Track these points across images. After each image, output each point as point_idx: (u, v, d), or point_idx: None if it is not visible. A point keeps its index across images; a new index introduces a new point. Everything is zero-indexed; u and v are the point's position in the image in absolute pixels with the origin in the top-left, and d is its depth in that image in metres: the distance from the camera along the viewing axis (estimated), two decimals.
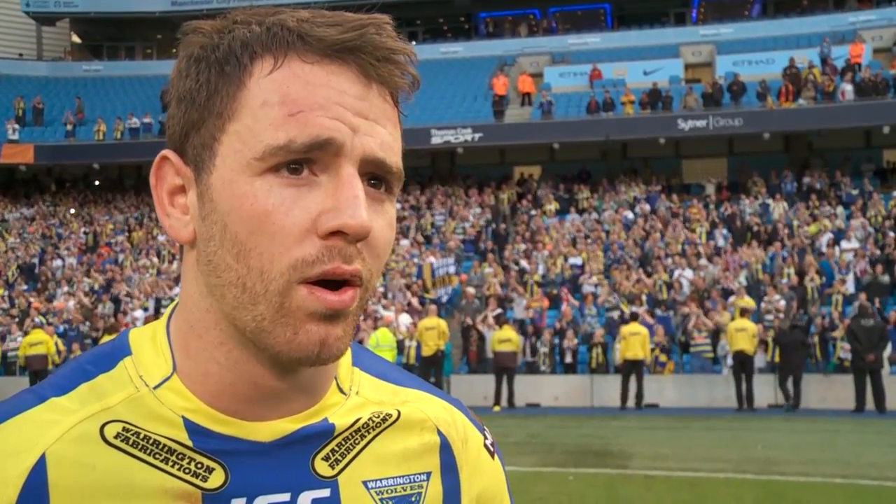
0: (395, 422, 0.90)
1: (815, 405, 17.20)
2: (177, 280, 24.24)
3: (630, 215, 25.26)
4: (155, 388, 0.81)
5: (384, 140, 0.79)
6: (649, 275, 21.30)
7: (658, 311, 19.75)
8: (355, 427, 0.87)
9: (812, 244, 22.03)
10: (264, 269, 0.75)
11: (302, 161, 0.76)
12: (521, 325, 19.52)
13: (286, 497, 0.82)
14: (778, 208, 24.24)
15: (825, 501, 7.95)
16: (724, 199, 25.93)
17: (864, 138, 27.80)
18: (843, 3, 35.13)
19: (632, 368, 17.36)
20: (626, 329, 17.63)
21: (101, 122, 30.76)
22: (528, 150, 28.35)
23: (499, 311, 19.80)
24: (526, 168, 29.48)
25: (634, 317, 18.10)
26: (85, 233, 29.11)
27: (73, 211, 31.11)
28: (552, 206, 26.43)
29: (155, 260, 26.00)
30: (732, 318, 17.79)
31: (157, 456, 0.79)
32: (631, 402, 17.34)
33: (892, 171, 26.97)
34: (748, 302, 18.93)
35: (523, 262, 22.71)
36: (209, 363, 0.81)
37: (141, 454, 0.78)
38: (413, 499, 0.89)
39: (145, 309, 22.66)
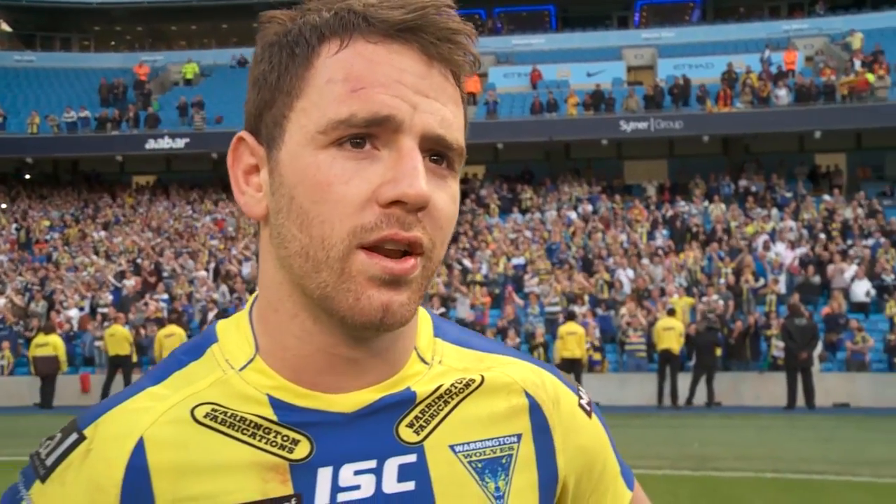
0: (478, 387, 0.91)
1: (749, 402, 17.62)
2: (119, 276, 23.74)
3: (573, 215, 25.55)
4: (240, 370, 0.86)
5: (444, 117, 0.81)
6: (591, 275, 21.58)
7: (599, 311, 20.01)
8: (438, 393, 0.89)
9: (748, 245, 22.57)
10: (325, 237, 0.79)
11: (364, 136, 0.79)
12: (462, 325, 19.58)
13: (372, 464, 0.84)
14: (716, 210, 24.77)
15: (757, 495, 8.12)
16: (664, 201, 26.40)
17: (797, 143, 28.58)
18: (778, 12, 36.10)
19: (569, 367, 17.56)
20: (563, 328, 17.83)
21: (35, 114, 29.94)
22: (471, 149, 27.29)
23: (442, 310, 19.85)
24: (470, 167, 29.59)
25: (571, 316, 18.30)
26: (17, 229, 28.28)
27: (3, 206, 30.21)
28: (495, 206, 26.59)
29: (94, 258, 25.39)
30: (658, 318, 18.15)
31: (245, 431, 0.83)
32: None
33: (824, 175, 27.77)
34: (687, 301, 19.31)
35: (466, 262, 22.80)
36: (286, 336, 0.85)
37: (230, 431, 0.83)
38: (504, 461, 0.90)
39: (81, 308, 22.13)
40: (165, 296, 22.15)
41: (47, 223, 28.46)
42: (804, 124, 26.38)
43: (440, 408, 0.89)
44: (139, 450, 0.82)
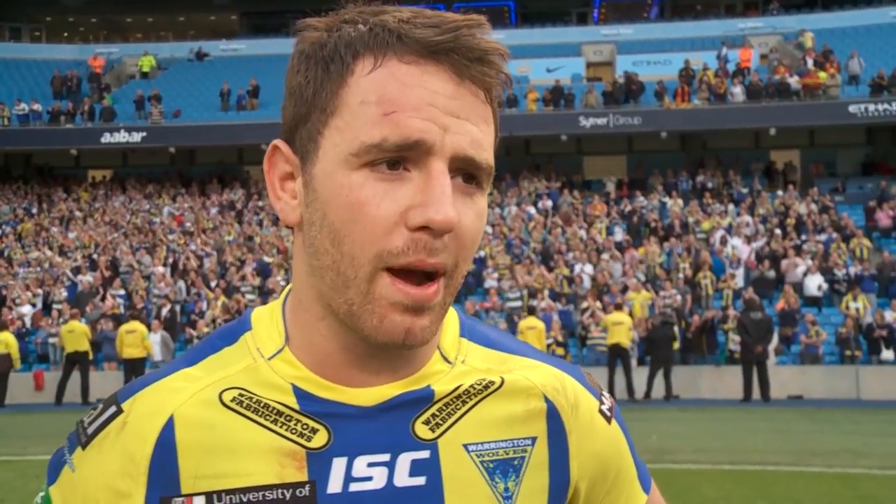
0: (497, 389, 0.93)
1: (706, 395, 17.84)
2: (74, 272, 23.33)
3: (532, 210, 25.66)
4: (269, 358, 0.90)
5: (474, 138, 0.83)
6: (551, 269, 21.70)
7: (559, 306, 20.13)
8: (456, 393, 0.91)
9: (706, 240, 22.86)
10: (355, 256, 0.82)
11: (397, 159, 0.81)
12: None
13: (386, 457, 0.87)
14: (674, 205, 25.06)
15: (713, 486, 8.23)
16: (623, 196, 26.63)
17: (753, 139, 29.02)
18: (734, 10, 36.61)
19: None
20: (523, 323, 17.84)
21: None
22: None
23: None
24: None
25: (531, 311, 18.37)
26: None
27: None
28: None
29: (48, 252, 24.92)
30: (630, 313, 18.31)
31: (268, 417, 0.87)
32: None
33: (779, 171, 28.24)
34: (645, 296, 19.50)
35: None
36: (314, 334, 0.89)
37: (253, 416, 0.87)
38: (515, 462, 0.92)
39: (33, 305, 21.73)
40: (122, 291, 21.85)
41: None
42: (759, 121, 26.78)
43: (458, 407, 0.91)
44: (169, 427, 0.87)
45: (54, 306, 21.37)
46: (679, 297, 19.61)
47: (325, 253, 0.84)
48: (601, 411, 0.99)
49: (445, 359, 0.93)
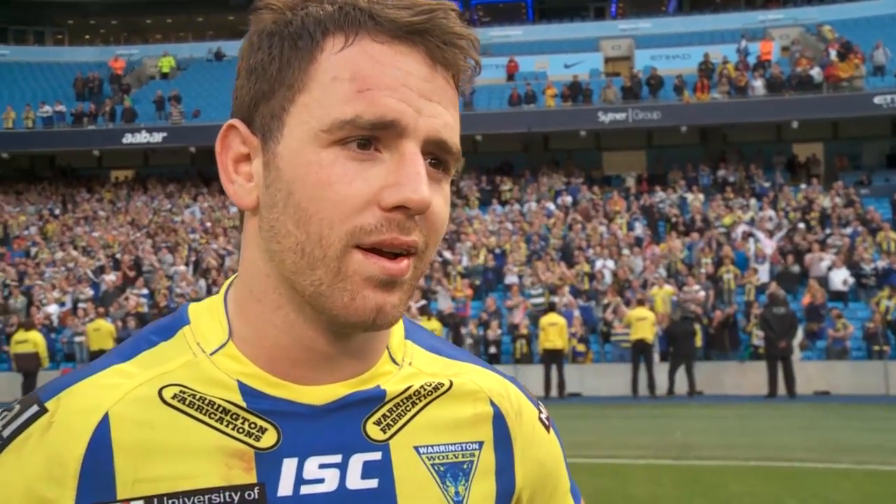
0: (446, 391, 0.91)
1: (730, 391, 17.74)
2: (98, 272, 23.54)
3: (552, 207, 25.60)
4: (211, 354, 0.85)
5: (446, 121, 0.81)
6: (571, 266, 21.63)
7: (580, 302, 20.08)
8: (407, 394, 0.89)
9: (727, 235, 22.71)
10: (323, 235, 0.78)
11: (369, 138, 0.79)
12: (436, 316, 19.53)
13: (337, 458, 0.84)
14: (695, 200, 24.91)
15: (739, 483, 8.18)
16: (643, 191, 26.50)
17: (775, 132, 28.77)
18: (754, 2, 36.29)
19: (552, 358, 17.62)
20: (544, 320, 17.86)
21: (10, 109, 29.60)
22: None
23: (422, 302, 19.86)
24: None
25: (552, 307, 18.34)
26: None
27: None
28: (475, 198, 26.59)
29: (73, 253, 25.17)
30: (652, 308, 18.23)
31: (212, 416, 0.82)
32: (554, 392, 17.61)
33: (802, 165, 27.98)
34: (667, 291, 19.41)
35: (446, 254, 22.81)
36: (266, 326, 0.84)
37: (197, 414, 0.82)
38: (465, 466, 0.90)
39: (60, 304, 21.96)
40: (145, 290, 22.03)
41: (24, 218, 28.18)
42: (781, 114, 26.54)
43: (408, 408, 0.89)
44: (104, 425, 0.80)
45: (80, 305, 21.59)
46: (702, 293, 19.50)
47: (288, 235, 0.80)
48: (541, 420, 0.98)
49: (393, 360, 0.90)
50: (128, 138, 28.60)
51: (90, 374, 0.84)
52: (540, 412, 0.99)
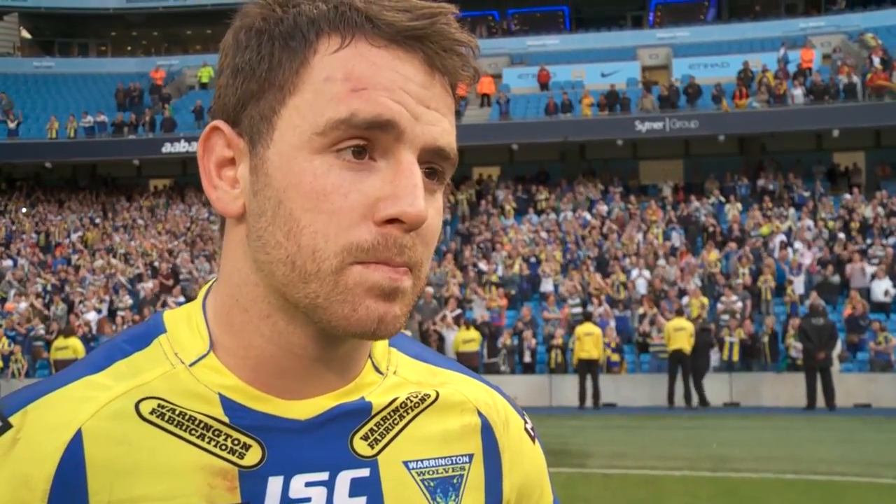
0: (433, 402, 0.89)
1: (768, 403, 17.55)
2: (136, 279, 23.89)
3: (588, 216, 25.51)
4: (191, 365, 0.80)
5: (444, 128, 0.79)
6: (607, 275, 21.52)
7: (615, 311, 19.96)
8: (393, 406, 0.86)
9: (765, 245, 22.43)
10: (317, 248, 0.75)
11: (364, 145, 0.75)
12: (474, 325, 19.52)
13: (324, 476, 0.80)
14: (732, 210, 24.65)
15: (777, 497, 8.11)
16: (680, 201, 26.30)
17: (815, 141, 28.39)
18: (795, 9, 35.89)
19: (587, 368, 17.51)
20: (580, 329, 17.77)
21: (55, 119, 30.23)
22: (486, 150, 28.46)
23: (458, 311, 19.86)
24: (485, 169, 29.59)
25: (588, 316, 18.24)
26: (36, 232, 28.55)
27: (24, 210, 30.50)
28: (511, 207, 26.57)
29: (113, 261, 25.60)
30: (689, 318, 18.06)
31: (193, 432, 0.78)
32: (589, 402, 17.49)
33: (842, 174, 27.58)
34: (703, 301, 19.22)
35: (481, 264, 22.79)
36: (253, 336, 0.80)
37: (177, 430, 0.77)
38: (455, 480, 0.87)
39: (98, 311, 22.33)
40: (182, 298, 22.28)
41: (66, 226, 28.73)
42: (821, 123, 26.21)
43: (395, 422, 0.86)
44: (76, 443, 0.75)
45: (118, 313, 21.92)
46: (739, 304, 19.27)
47: (277, 246, 0.75)
48: (527, 430, 0.96)
49: (377, 369, 0.87)
50: (167, 148, 29.04)
51: (59, 385, 0.78)
52: (525, 422, 0.97)
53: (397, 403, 0.86)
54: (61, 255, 26.75)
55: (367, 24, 0.76)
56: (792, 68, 28.28)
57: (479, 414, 0.91)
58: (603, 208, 25.89)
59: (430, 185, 0.79)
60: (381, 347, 0.89)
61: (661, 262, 21.82)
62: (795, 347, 17.76)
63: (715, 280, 20.82)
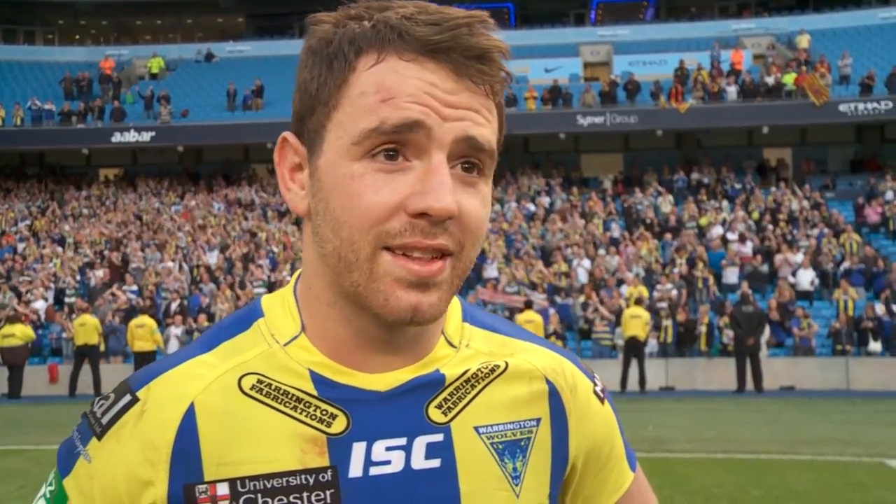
0: (503, 372, 0.95)
1: (701, 386, 18.23)
2: (85, 268, 23.81)
3: (531, 207, 26.15)
4: (285, 344, 0.90)
5: (475, 122, 0.84)
6: (549, 265, 22.10)
7: (557, 299, 20.49)
8: (465, 377, 0.92)
9: (700, 236, 23.38)
10: (354, 240, 0.83)
11: (395, 148, 0.82)
12: None
13: (402, 441, 0.88)
14: (669, 202, 25.57)
15: (707, 474, 8.32)
16: (620, 193, 27.14)
17: (746, 137, 29.55)
18: (727, 11, 37.00)
19: None
20: (521, 317, 17.84)
21: (0, 106, 29.68)
22: None
23: None
24: None
25: (529, 305, 18.30)
26: None
27: None
28: None
29: (59, 249, 25.42)
30: (627, 306, 18.80)
31: (287, 404, 0.87)
32: None
33: (771, 168, 28.80)
34: (642, 290, 20.01)
35: None
36: (326, 321, 0.89)
37: (273, 403, 0.87)
38: (522, 443, 0.93)
39: (46, 299, 22.20)
40: (134, 287, 22.31)
41: (13, 215, 28.32)
42: (752, 120, 27.23)
43: (467, 391, 0.92)
44: (190, 414, 0.86)
45: (66, 301, 21.84)
46: (674, 292, 20.10)
47: (328, 241, 0.85)
48: (595, 392, 1.01)
49: (450, 343, 0.94)
50: (116, 137, 28.77)
51: (176, 363, 0.89)
52: (595, 385, 1.02)
53: (469, 374, 0.93)
54: (8, 244, 26.40)
55: (398, 40, 0.83)
56: (725, 67, 29.35)
57: (547, 380, 0.97)
58: (545, 200, 26.57)
59: (468, 179, 0.85)
60: (454, 323, 0.96)
61: (602, 251, 22.61)
62: (727, 334, 18.51)
63: (652, 269, 21.66)
